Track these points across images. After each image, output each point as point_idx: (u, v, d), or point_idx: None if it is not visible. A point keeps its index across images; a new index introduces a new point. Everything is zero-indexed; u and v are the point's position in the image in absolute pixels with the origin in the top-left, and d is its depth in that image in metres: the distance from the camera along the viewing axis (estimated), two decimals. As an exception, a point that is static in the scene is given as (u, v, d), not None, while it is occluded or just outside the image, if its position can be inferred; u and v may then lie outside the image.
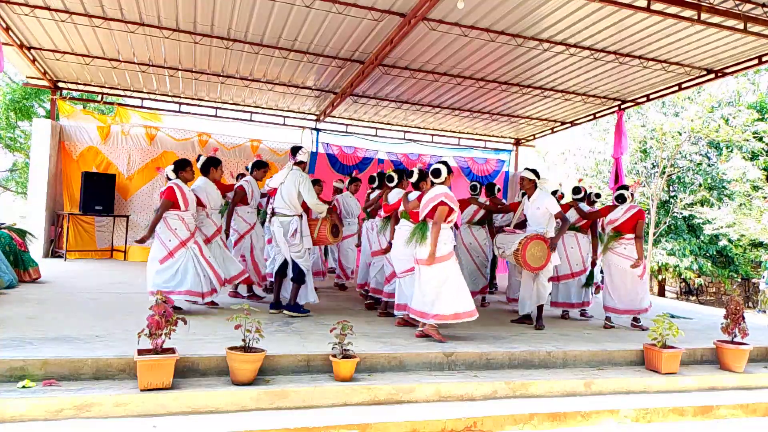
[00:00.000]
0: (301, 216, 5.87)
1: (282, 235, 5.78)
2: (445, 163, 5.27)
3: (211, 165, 6.23)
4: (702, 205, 17.24)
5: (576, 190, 7.03)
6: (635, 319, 6.55)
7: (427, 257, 4.99)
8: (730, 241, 16.39)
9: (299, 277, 5.84)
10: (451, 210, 5.07)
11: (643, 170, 18.18)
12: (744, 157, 16.20)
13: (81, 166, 10.63)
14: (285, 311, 5.89)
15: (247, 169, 7.20)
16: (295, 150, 5.94)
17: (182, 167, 5.88)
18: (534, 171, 6.17)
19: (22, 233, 7.66)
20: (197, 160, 6.41)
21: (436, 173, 5.18)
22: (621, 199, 6.51)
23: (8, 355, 3.71)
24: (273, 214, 5.91)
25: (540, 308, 6.16)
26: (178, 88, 11.03)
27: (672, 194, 18.64)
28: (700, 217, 16.83)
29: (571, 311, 7.12)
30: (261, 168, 7.00)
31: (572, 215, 6.82)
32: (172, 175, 5.84)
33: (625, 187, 6.57)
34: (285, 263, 5.92)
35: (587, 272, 6.94)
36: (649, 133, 17.38)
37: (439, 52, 8.47)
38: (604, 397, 4.54)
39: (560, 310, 7.11)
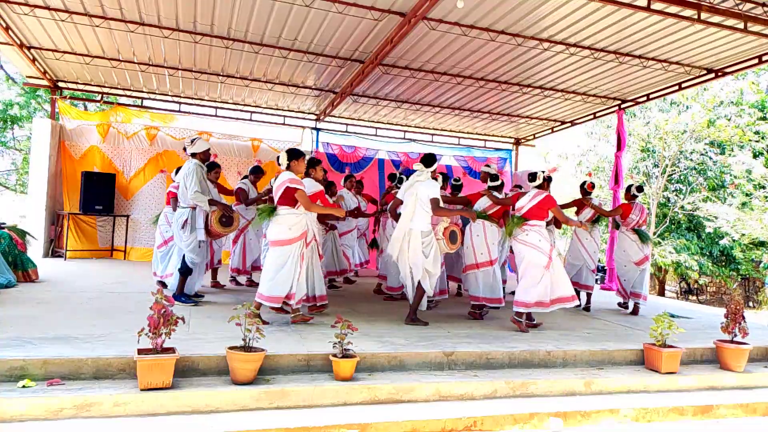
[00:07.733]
0: (194, 208, 6.01)
1: (176, 227, 6.05)
2: (289, 151, 5.34)
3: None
4: (705, 201, 17.18)
5: (493, 177, 6.52)
6: (517, 314, 5.80)
7: (271, 239, 5.25)
8: (732, 241, 16.34)
9: (184, 269, 6.06)
10: (298, 193, 5.16)
11: (645, 169, 18.15)
12: (753, 154, 16.11)
13: (82, 165, 10.61)
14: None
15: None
16: (186, 146, 6.29)
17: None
18: (429, 156, 5.81)
19: (22, 234, 7.69)
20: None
21: (277, 159, 5.41)
22: (532, 178, 5.91)
23: (8, 354, 3.71)
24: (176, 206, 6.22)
25: (416, 299, 5.77)
26: (178, 88, 11.02)
27: (673, 193, 18.61)
28: (703, 215, 16.74)
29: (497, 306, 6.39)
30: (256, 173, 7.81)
31: (484, 202, 6.40)
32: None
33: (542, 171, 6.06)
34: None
35: (495, 264, 6.31)
36: (652, 132, 17.34)
37: (439, 51, 8.47)
38: (604, 396, 4.54)
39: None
